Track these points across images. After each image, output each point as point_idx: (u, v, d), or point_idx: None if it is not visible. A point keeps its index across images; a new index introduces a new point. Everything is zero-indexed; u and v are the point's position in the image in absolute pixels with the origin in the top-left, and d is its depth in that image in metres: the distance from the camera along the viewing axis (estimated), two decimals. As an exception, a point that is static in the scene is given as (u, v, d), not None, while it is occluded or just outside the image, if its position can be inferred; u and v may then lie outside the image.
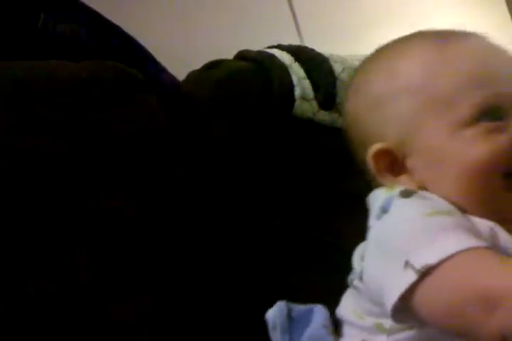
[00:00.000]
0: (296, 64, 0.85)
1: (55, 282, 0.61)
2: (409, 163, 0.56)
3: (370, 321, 0.54)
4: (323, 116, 0.85)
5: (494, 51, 0.58)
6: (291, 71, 0.84)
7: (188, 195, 0.74)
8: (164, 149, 0.74)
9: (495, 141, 0.52)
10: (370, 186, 0.59)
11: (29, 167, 0.64)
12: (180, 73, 0.88)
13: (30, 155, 0.64)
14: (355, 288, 0.56)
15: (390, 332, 0.51)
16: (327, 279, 0.64)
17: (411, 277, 0.45)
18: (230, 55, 0.93)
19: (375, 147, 0.57)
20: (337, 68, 0.87)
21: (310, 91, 0.80)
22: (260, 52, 0.89)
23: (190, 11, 1.33)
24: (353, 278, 0.57)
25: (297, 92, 0.82)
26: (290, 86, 0.82)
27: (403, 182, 0.56)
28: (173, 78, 0.87)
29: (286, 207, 0.78)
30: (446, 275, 0.45)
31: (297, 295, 0.70)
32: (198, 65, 0.88)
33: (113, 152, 0.69)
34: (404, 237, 0.49)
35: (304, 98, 0.81)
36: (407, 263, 0.46)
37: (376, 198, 0.55)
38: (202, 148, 0.78)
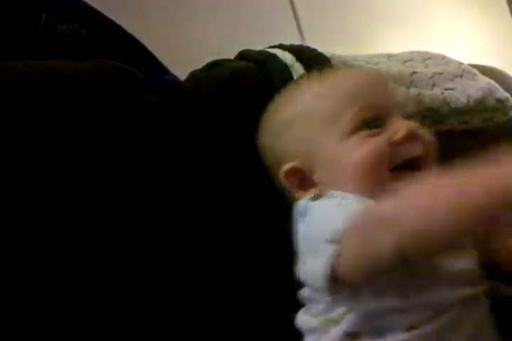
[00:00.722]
0: (298, 64, 0.85)
1: (55, 282, 0.61)
2: (315, 177, 0.64)
3: (319, 320, 0.59)
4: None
5: (366, 76, 0.70)
6: (292, 71, 0.84)
7: (188, 194, 0.74)
8: (164, 149, 0.74)
9: (374, 142, 0.61)
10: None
11: (29, 166, 0.64)
12: (181, 73, 0.88)
13: (30, 154, 0.64)
14: (303, 299, 0.61)
15: (337, 322, 0.57)
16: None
17: (331, 249, 0.52)
18: (231, 54, 0.93)
19: (285, 166, 0.65)
20: (338, 68, 0.87)
21: (311, 91, 0.80)
22: (262, 52, 0.89)
23: (191, 11, 1.33)
24: (300, 293, 0.62)
25: (298, 92, 0.82)
26: (291, 86, 0.82)
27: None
28: (174, 78, 0.87)
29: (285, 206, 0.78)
30: (354, 228, 0.52)
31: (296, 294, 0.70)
32: (199, 64, 0.88)
33: (113, 151, 0.69)
34: (321, 225, 0.56)
35: (305, 98, 0.81)
36: (326, 241, 0.52)
37: (297, 209, 0.62)
38: (202, 148, 0.78)
